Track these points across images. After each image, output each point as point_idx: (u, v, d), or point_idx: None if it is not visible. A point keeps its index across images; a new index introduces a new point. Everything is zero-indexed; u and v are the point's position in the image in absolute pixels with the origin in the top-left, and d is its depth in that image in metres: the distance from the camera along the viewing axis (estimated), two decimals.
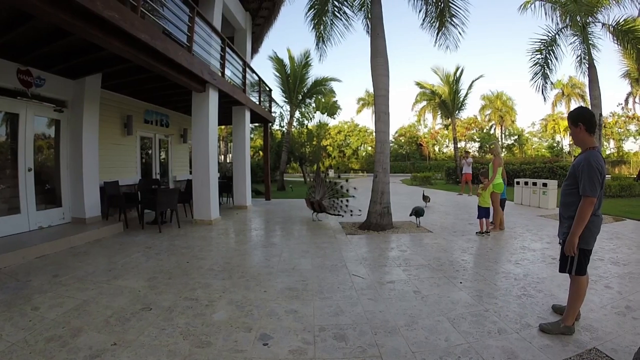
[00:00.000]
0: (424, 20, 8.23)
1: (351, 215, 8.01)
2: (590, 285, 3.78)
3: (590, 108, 8.21)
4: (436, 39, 8.27)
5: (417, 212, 7.31)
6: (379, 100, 7.46)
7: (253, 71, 11.37)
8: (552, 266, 4.53)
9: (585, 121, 2.77)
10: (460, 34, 8.13)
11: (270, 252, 5.72)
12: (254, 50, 13.33)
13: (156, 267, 4.71)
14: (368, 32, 7.64)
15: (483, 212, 6.65)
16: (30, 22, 4.52)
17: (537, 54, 8.81)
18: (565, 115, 36.39)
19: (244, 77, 10.02)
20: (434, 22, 8.16)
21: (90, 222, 6.80)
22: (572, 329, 2.77)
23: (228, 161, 31.61)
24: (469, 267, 4.68)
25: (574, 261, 2.77)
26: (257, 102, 11.68)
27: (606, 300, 3.46)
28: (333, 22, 8.68)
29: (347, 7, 8.61)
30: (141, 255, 5.29)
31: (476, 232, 6.74)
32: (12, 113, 5.87)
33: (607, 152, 37.28)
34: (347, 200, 8.27)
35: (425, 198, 9.82)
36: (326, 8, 8.46)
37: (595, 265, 4.60)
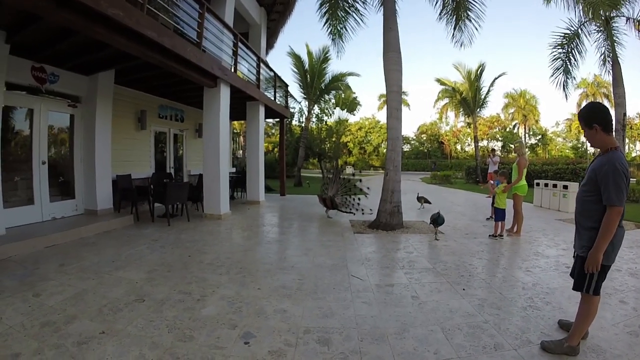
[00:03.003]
0: (440, 13, 8.01)
1: (362, 213, 7.95)
2: (603, 299, 3.52)
3: (614, 107, 7.80)
4: (453, 34, 8.04)
5: (435, 221, 6.31)
6: (391, 96, 7.32)
7: (268, 67, 11.37)
8: (566, 275, 4.24)
9: (600, 121, 2.41)
10: (476, 29, 7.89)
11: (273, 248, 5.73)
12: (269, 45, 13.30)
13: (158, 259, 4.79)
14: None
15: (500, 214, 6.38)
16: (39, 22, 4.67)
17: (558, 49, 8.38)
18: None
19: (258, 72, 10.03)
20: (450, 16, 7.92)
21: (102, 214, 6.99)
22: (576, 349, 2.52)
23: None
24: (475, 272, 4.47)
25: (593, 279, 2.46)
26: (273, 98, 11.68)
27: (619, 317, 3.18)
28: (345, 17, 8.56)
29: (359, 3, 8.48)
30: (146, 247, 5.39)
31: (489, 235, 6.50)
32: (27, 108, 6.10)
33: (633, 154, 35.45)
34: (359, 198, 8.22)
35: (420, 199, 9.38)
36: (338, 4, 8.34)
37: (612, 276, 4.26)
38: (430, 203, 9.65)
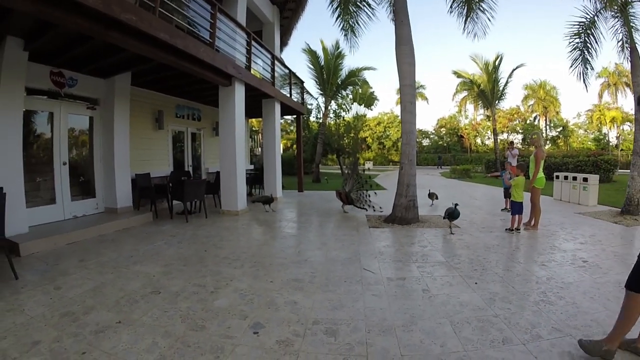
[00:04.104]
0: (451, 5, 7.89)
1: (374, 210, 7.94)
2: (618, 294, 3.38)
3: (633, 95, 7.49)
4: (464, 26, 7.93)
5: (451, 215, 6.26)
6: (404, 90, 7.25)
7: (283, 64, 11.43)
8: (582, 270, 4.17)
9: None
10: (489, 19, 7.74)
11: (288, 243, 5.79)
12: (283, 43, 13.34)
13: (175, 254, 4.92)
14: (392, 19, 7.41)
15: (517, 208, 6.25)
16: (55, 29, 4.84)
17: (575, 38, 8.09)
18: (612, 106, 33.56)
19: (273, 70, 10.10)
20: (461, 7, 7.78)
21: (122, 212, 7.22)
22: (612, 353, 2.34)
23: None
24: (489, 266, 4.39)
25: None
26: (288, 95, 11.75)
27: None
28: (357, 12, 8.53)
29: None
30: (164, 243, 5.53)
31: (506, 229, 6.37)
32: (47, 112, 6.36)
33: None
34: (369, 195, 8.26)
35: (432, 196, 9.33)
36: None
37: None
38: (437, 198, 9.54)
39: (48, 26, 4.79)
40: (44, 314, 3.00)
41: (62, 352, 2.42)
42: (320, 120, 21.09)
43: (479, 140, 43.58)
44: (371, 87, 23.92)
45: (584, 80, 8.29)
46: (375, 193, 8.45)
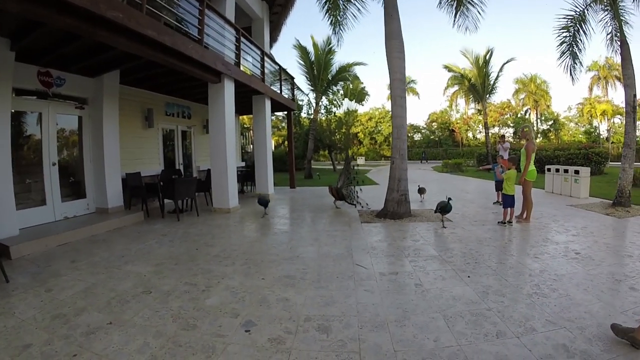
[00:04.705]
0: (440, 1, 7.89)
1: (361, 207, 7.97)
2: (611, 285, 3.49)
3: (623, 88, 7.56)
4: (454, 20, 7.95)
5: (443, 209, 6.30)
6: (394, 84, 7.25)
7: (273, 60, 11.35)
8: (574, 262, 4.21)
9: None
10: (479, 13, 7.77)
11: (279, 239, 5.78)
12: (273, 39, 13.23)
13: (166, 253, 4.89)
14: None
15: (509, 201, 6.29)
16: (42, 28, 4.76)
17: (564, 32, 8.13)
18: (602, 99, 33.94)
19: (262, 66, 10.02)
20: (451, 1, 7.78)
21: (113, 211, 7.14)
22: (637, 342, 2.37)
23: None
24: (481, 259, 4.40)
25: None
26: (279, 91, 11.68)
27: (628, 304, 3.06)
28: (346, 6, 8.49)
29: None
30: (155, 242, 5.50)
31: (498, 222, 6.43)
32: (36, 112, 6.25)
33: None
34: (357, 192, 8.30)
35: (421, 191, 9.40)
36: None
37: (623, 262, 4.22)
38: (425, 192, 9.56)
39: (35, 25, 4.69)
40: (35, 316, 2.97)
41: (53, 354, 2.40)
42: (312, 116, 21.02)
43: (470, 134, 43.76)
44: (362, 83, 24.00)
45: (571, 73, 8.34)
46: (361, 189, 8.51)
